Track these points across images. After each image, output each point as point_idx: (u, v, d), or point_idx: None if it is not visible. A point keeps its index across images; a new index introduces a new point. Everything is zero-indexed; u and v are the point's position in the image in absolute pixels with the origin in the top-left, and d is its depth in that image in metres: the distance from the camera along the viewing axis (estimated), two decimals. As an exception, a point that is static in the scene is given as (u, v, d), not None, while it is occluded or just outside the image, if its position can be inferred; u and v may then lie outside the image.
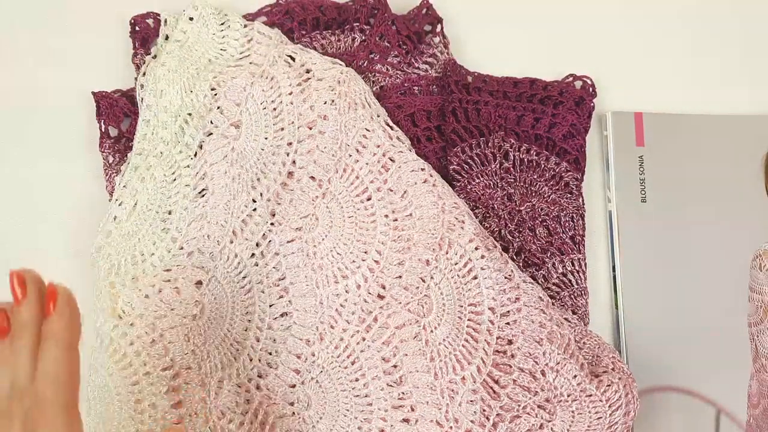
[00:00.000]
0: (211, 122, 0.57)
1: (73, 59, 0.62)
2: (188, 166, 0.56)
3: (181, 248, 0.55)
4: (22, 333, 0.39)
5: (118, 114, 0.59)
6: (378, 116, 0.57)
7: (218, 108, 0.57)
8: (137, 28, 0.60)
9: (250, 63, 0.58)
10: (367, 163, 0.56)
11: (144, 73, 0.58)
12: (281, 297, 0.55)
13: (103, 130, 0.59)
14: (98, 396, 0.53)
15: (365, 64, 0.61)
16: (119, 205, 0.56)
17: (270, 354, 0.54)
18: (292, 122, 0.57)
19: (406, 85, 0.61)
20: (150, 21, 0.61)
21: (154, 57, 0.58)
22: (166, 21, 0.59)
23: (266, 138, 0.56)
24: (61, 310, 0.40)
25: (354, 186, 0.56)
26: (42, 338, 0.40)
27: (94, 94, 0.59)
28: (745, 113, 0.65)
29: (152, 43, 0.61)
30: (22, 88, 0.61)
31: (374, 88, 0.61)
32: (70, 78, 0.61)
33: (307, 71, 0.57)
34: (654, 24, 0.66)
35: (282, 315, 0.55)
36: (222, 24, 0.59)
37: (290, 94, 0.57)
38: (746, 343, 0.60)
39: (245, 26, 0.59)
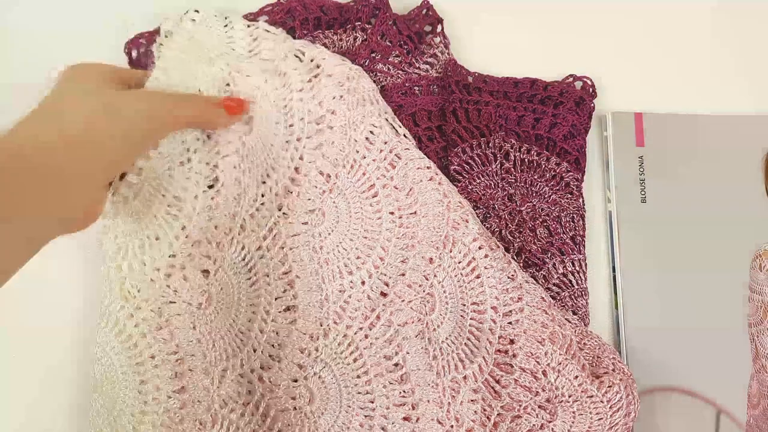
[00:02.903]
0: None
1: (73, 60, 0.62)
2: (197, 151, 0.55)
3: (188, 237, 0.54)
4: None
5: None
6: (385, 113, 0.57)
7: None
8: (133, 55, 0.60)
9: (261, 59, 0.58)
10: (374, 160, 0.56)
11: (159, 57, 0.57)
12: (286, 290, 0.55)
13: None
14: (105, 375, 0.53)
15: (366, 64, 0.61)
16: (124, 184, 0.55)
17: (273, 347, 0.54)
18: (302, 118, 0.56)
19: (406, 84, 0.61)
20: (143, 42, 0.60)
21: (166, 36, 0.58)
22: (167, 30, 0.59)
23: (276, 134, 0.56)
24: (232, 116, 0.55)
25: (361, 182, 0.56)
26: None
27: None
28: (745, 113, 0.65)
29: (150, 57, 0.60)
30: (22, 89, 0.61)
31: (375, 88, 0.61)
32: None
33: (317, 66, 0.57)
34: (654, 24, 0.67)
35: (287, 309, 0.55)
36: (225, 26, 0.59)
37: (300, 90, 0.56)
38: (746, 343, 0.60)
39: (249, 26, 0.59)
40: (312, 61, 0.57)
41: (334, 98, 0.56)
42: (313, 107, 0.56)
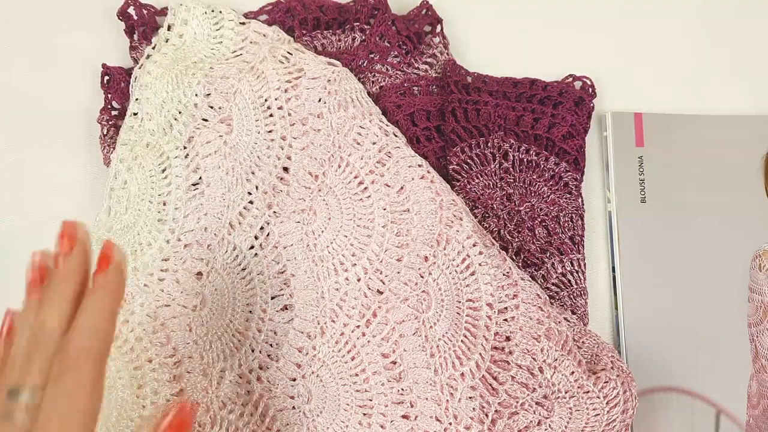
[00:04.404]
0: (202, 118, 0.57)
1: (72, 59, 0.62)
2: (177, 157, 0.56)
3: (179, 240, 0.55)
4: (61, 284, 0.39)
5: (125, 91, 0.58)
6: (371, 114, 0.57)
7: (208, 104, 0.57)
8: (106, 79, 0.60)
9: (242, 61, 0.58)
10: (361, 158, 0.56)
11: (141, 66, 0.58)
12: (282, 289, 0.55)
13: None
14: None
15: (365, 64, 0.61)
16: (113, 199, 0.56)
17: (271, 346, 0.54)
18: (283, 117, 0.57)
19: (405, 85, 0.61)
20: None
21: (154, 47, 0.58)
22: (169, 27, 0.59)
23: (258, 132, 0.57)
24: (115, 270, 0.39)
25: (350, 179, 0.56)
26: (86, 294, 0.39)
27: (104, 66, 0.59)
28: (745, 113, 0.65)
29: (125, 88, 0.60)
30: (22, 89, 0.61)
31: (374, 88, 0.61)
32: (70, 79, 0.61)
33: (299, 70, 0.58)
34: (654, 24, 0.67)
35: (284, 308, 0.55)
36: (216, 24, 0.59)
37: (278, 89, 0.57)
38: (746, 343, 0.60)
39: (242, 24, 0.59)
40: (294, 65, 0.58)
41: (320, 101, 0.57)
42: (295, 107, 0.57)
